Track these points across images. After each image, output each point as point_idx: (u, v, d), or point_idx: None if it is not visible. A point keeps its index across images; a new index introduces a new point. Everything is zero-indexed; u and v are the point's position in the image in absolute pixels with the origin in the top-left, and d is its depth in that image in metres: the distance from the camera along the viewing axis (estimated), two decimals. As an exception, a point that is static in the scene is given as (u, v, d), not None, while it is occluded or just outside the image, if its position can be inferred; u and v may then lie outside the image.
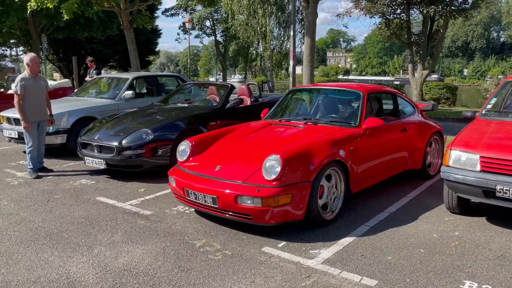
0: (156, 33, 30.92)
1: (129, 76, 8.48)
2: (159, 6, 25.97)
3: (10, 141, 7.56)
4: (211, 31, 36.48)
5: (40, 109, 5.94)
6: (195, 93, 8.02)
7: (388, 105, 5.40)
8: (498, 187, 3.61)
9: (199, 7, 33.15)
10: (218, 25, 34.77)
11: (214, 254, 3.52)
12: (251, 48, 29.09)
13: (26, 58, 5.90)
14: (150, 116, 6.37)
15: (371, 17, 16.20)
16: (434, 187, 5.35)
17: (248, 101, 7.23)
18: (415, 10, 16.12)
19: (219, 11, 32.08)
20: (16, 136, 7.09)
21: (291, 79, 10.10)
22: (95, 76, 10.71)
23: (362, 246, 3.63)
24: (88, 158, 5.83)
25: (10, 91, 12.36)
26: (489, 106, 4.83)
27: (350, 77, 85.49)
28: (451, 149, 3.95)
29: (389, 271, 3.19)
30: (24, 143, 6.87)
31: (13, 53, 37.31)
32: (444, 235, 3.84)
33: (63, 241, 3.77)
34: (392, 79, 71.10)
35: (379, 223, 4.14)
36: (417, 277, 3.10)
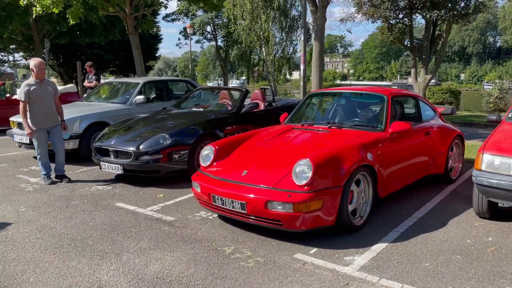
0: (156, 38, 30.91)
1: (140, 80, 8.41)
2: (159, 11, 25.98)
3: (20, 146, 7.47)
4: (212, 36, 36.52)
5: (47, 116, 5.66)
6: (207, 97, 7.96)
7: (410, 109, 5.35)
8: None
9: (199, 12, 33.22)
10: (219, 30, 34.81)
11: (246, 261, 3.43)
12: (253, 53, 29.10)
13: (32, 63, 5.65)
14: (165, 120, 6.30)
15: (373, 22, 16.28)
16: (457, 191, 5.30)
17: (262, 106, 7.17)
18: (418, 15, 16.20)
19: (220, 16, 32.14)
20: (28, 142, 6.99)
21: (301, 83, 10.06)
22: (93, 82, 10.52)
23: (396, 253, 3.56)
24: (104, 163, 5.74)
25: (15, 97, 12.29)
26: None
27: (347, 82, 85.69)
28: (483, 153, 3.89)
29: (429, 278, 3.12)
30: (33, 148, 6.78)
31: (11, 58, 37.22)
32: (478, 241, 3.78)
33: (89, 248, 3.68)
34: (390, 84, 71.37)
35: (409, 229, 4.07)
36: (459, 285, 3.03)
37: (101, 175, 6.21)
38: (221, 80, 53.21)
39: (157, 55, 33.90)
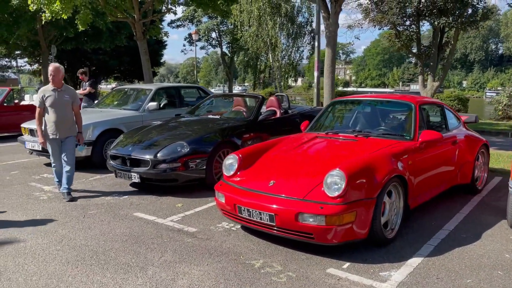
0: (161, 44, 30.92)
1: (152, 87, 8.30)
2: (165, 18, 25.97)
3: (31, 153, 7.33)
4: (217, 42, 36.53)
5: (59, 125, 5.26)
6: (221, 104, 7.84)
7: (435, 117, 5.22)
8: None
9: (205, 19, 33.25)
10: (225, 36, 34.82)
11: (278, 276, 3.29)
12: (260, 60, 29.07)
13: (49, 68, 5.38)
14: (181, 128, 6.17)
15: (380, 29, 16.24)
16: (484, 202, 5.15)
17: (278, 113, 7.05)
18: (425, 21, 16.15)
19: (225, 23, 32.17)
20: (39, 149, 6.86)
21: (315, 90, 9.94)
22: (87, 88, 9.61)
23: (434, 268, 3.41)
24: (120, 171, 5.60)
25: (23, 102, 12.20)
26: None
27: (350, 88, 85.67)
28: (521, 164, 3.76)
29: (474, 296, 2.97)
30: (45, 155, 6.64)
31: (14, 64, 37.25)
32: (517, 255, 3.63)
33: (112, 261, 3.54)
34: (392, 90, 71.31)
35: (442, 242, 3.92)
36: (506, 303, 2.88)
37: (116, 183, 6.08)
38: (224, 86, 53.18)
39: (161, 61, 33.89)
